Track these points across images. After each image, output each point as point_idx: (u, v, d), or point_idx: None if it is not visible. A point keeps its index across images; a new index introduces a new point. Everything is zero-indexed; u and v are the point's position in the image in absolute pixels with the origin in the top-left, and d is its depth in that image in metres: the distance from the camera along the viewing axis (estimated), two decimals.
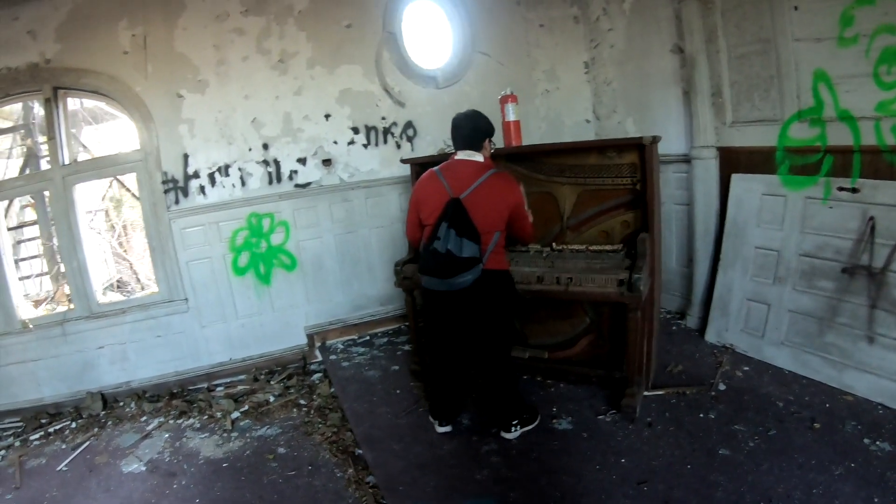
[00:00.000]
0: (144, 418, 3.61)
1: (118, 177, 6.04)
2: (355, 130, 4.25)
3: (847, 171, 2.73)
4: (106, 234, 6.95)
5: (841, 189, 2.75)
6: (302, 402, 3.61)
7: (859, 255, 2.69)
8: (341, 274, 4.33)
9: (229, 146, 3.98)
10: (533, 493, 2.32)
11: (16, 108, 5.43)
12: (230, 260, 4.05)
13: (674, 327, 3.76)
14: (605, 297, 2.65)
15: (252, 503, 2.62)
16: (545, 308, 3.16)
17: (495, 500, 2.31)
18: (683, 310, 3.84)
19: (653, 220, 2.76)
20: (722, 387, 2.94)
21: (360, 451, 2.87)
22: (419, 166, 3.20)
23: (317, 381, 3.88)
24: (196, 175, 3.93)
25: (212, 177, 3.96)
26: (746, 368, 3.09)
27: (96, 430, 3.52)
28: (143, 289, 6.35)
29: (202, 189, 3.95)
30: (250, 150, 4.03)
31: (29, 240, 6.13)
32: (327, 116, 4.17)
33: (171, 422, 3.52)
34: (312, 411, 3.46)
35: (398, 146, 4.37)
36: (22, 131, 5.51)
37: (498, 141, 2.78)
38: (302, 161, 4.15)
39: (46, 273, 5.67)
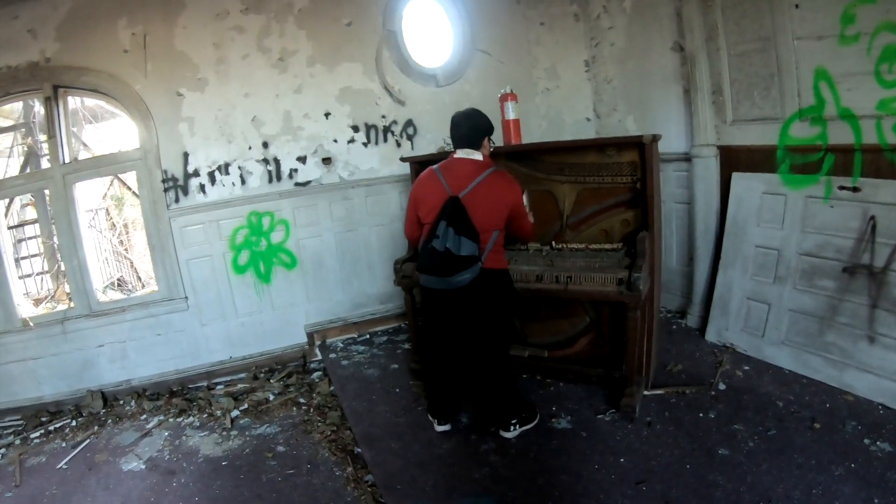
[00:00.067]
0: (144, 416, 3.62)
1: (119, 175, 6.05)
2: (355, 129, 4.24)
3: (848, 169, 2.72)
4: (107, 233, 6.95)
5: (842, 188, 2.74)
6: (301, 400, 3.61)
7: (860, 254, 2.68)
8: (341, 272, 4.33)
9: (229, 144, 3.98)
10: (531, 492, 2.32)
11: (16, 106, 5.43)
12: (230, 258, 4.05)
13: (674, 326, 3.75)
14: (605, 296, 2.65)
15: (251, 501, 2.62)
16: (545, 307, 3.15)
17: (494, 499, 2.30)
18: (684, 309, 3.83)
19: (653, 218, 2.75)
20: (722, 386, 2.93)
21: (359, 450, 2.87)
22: (419, 165, 3.19)
23: (316, 380, 3.88)
24: (196, 173, 3.93)
25: (212, 175, 3.96)
26: (746, 368, 3.08)
27: (96, 428, 3.53)
28: (143, 287, 6.35)
29: (202, 187, 3.95)
30: (250, 148, 4.03)
31: (29, 238, 6.13)
32: (327, 115, 4.16)
33: (170, 420, 3.53)
34: (312, 410, 3.46)
35: (398, 144, 4.36)
36: (22, 130, 5.51)
37: (497, 139, 2.78)
38: (302, 159, 4.15)
39: (47, 271, 5.68)
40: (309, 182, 4.17)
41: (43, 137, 4.64)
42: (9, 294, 3.75)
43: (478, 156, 2.52)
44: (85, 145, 5.99)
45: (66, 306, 4.20)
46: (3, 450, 3.39)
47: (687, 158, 3.62)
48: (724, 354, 3.24)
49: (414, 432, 2.87)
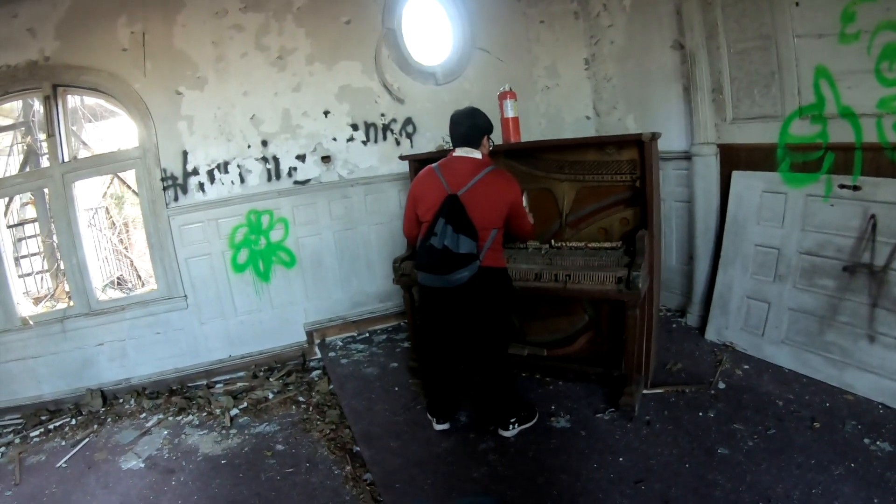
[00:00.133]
0: (143, 415, 3.62)
1: (119, 174, 6.04)
2: (354, 127, 4.24)
3: (848, 168, 2.71)
4: (107, 231, 6.95)
5: (842, 186, 2.73)
6: (301, 399, 3.61)
7: (860, 253, 2.67)
8: (340, 271, 4.33)
9: (228, 143, 3.97)
10: (530, 491, 2.32)
11: (16, 105, 5.42)
12: (229, 257, 4.05)
13: (674, 325, 3.74)
14: (604, 294, 2.64)
15: (250, 500, 2.62)
16: (544, 305, 3.15)
17: (492, 498, 2.30)
18: (683, 307, 3.83)
19: (652, 217, 2.75)
20: (721, 385, 2.93)
21: (358, 448, 2.87)
22: (418, 163, 3.18)
23: (316, 378, 3.88)
24: (195, 172, 3.93)
25: (211, 173, 3.96)
26: (746, 367, 3.08)
27: (96, 426, 3.53)
28: (143, 286, 6.35)
29: (201, 186, 3.95)
30: (249, 146, 4.02)
31: (29, 237, 6.14)
32: (326, 113, 4.16)
33: (170, 418, 3.53)
34: (311, 408, 3.46)
35: (397, 143, 4.36)
36: (22, 129, 5.51)
37: (497, 137, 2.77)
38: (301, 158, 4.14)
39: (46, 270, 5.68)
40: (308, 180, 4.17)
41: (42, 136, 4.64)
42: (8, 293, 3.76)
43: (477, 154, 2.51)
44: (84, 144, 5.98)
45: (65, 305, 4.19)
46: (2, 448, 3.40)
47: (687, 157, 3.61)
48: (723, 353, 3.23)
49: (413, 431, 2.87)
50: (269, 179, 4.10)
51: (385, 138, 4.33)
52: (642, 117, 4.08)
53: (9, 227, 5.38)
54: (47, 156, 3.90)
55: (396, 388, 3.37)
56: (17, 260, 5.51)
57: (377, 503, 2.48)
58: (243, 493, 2.67)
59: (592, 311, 3.11)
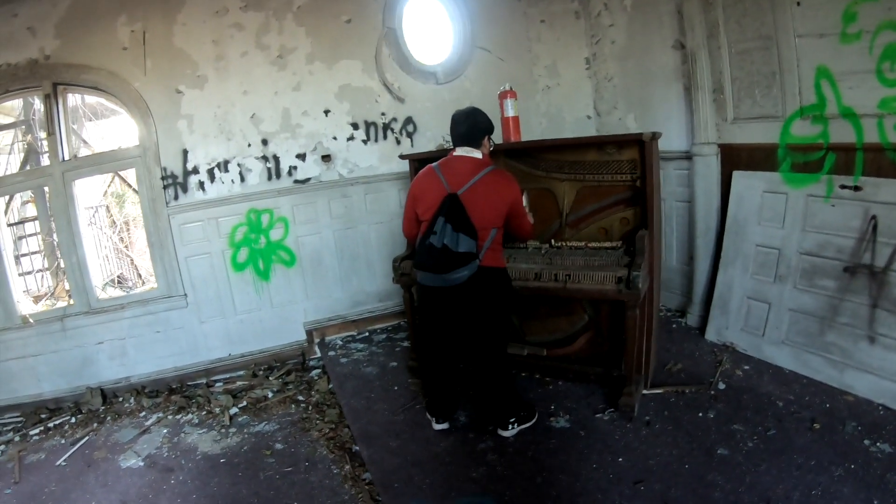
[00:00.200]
0: (143, 414, 3.62)
1: (119, 172, 6.04)
2: (354, 126, 4.23)
3: (849, 168, 2.70)
4: (107, 230, 6.96)
5: (843, 187, 2.72)
6: (300, 398, 3.61)
7: (861, 253, 2.66)
8: (340, 270, 4.32)
9: (228, 142, 3.97)
10: (529, 491, 2.31)
11: (16, 103, 5.42)
12: (229, 256, 4.05)
13: (674, 325, 3.74)
14: (604, 294, 2.64)
15: (248, 499, 2.62)
16: (544, 305, 3.14)
17: (492, 498, 2.30)
18: (684, 308, 3.82)
19: (652, 217, 2.74)
20: (721, 386, 2.92)
21: (357, 448, 2.87)
22: (418, 162, 3.18)
23: (315, 378, 3.88)
24: (195, 171, 3.93)
25: (211, 172, 3.96)
26: (746, 367, 3.07)
27: (95, 425, 3.53)
28: (143, 284, 6.36)
29: (201, 185, 3.95)
30: (249, 145, 4.02)
31: (29, 235, 6.14)
32: (326, 112, 4.16)
33: (169, 417, 3.53)
34: (310, 407, 3.46)
35: (398, 142, 4.35)
36: (22, 127, 5.51)
37: (497, 137, 2.76)
38: (301, 157, 4.14)
39: (46, 269, 5.68)
40: (308, 179, 4.17)
41: (43, 135, 4.64)
42: (8, 291, 3.76)
43: (477, 154, 2.51)
44: (85, 142, 5.98)
45: (65, 303, 4.20)
46: (2, 447, 3.40)
47: (687, 157, 3.61)
48: (723, 354, 3.23)
49: (412, 430, 2.86)
50: (269, 178, 4.09)
51: (385, 137, 4.32)
52: (643, 117, 4.07)
53: (9, 225, 5.39)
54: (48, 154, 3.89)
55: (396, 388, 3.37)
56: (17, 258, 5.51)
57: (376, 502, 2.48)
58: (242, 491, 2.67)
59: (592, 311, 3.10)
